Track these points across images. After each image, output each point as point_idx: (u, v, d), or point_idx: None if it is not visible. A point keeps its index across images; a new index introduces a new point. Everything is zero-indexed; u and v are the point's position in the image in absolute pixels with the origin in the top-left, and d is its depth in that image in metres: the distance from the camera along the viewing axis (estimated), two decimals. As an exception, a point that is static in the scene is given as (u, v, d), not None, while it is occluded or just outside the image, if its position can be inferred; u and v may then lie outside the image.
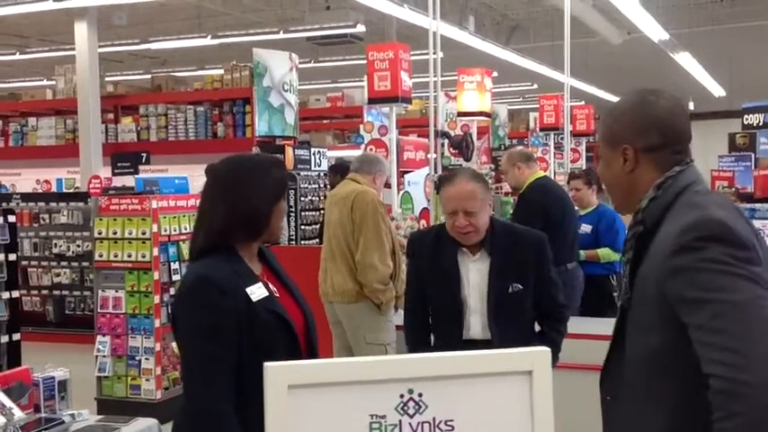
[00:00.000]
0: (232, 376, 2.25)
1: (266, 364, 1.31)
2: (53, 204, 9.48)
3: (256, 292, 2.32)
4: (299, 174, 9.62)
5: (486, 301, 3.24)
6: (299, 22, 14.16)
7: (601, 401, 2.00)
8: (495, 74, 11.08)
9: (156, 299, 6.25)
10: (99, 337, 6.34)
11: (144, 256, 6.26)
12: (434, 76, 8.03)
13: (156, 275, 6.25)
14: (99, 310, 6.38)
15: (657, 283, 1.74)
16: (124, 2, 11.80)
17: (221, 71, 11.05)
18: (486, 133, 13.53)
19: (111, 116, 11.65)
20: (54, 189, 11.49)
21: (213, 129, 10.67)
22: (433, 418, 1.35)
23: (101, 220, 6.41)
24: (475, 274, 3.28)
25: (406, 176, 9.13)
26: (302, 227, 10.06)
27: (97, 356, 6.33)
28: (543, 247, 3.36)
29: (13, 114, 12.33)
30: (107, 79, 12.92)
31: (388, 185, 6.62)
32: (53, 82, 12.47)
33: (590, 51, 15.86)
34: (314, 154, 10.59)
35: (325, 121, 16.96)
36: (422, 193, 8.99)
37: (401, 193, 8.55)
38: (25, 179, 11.67)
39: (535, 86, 20.53)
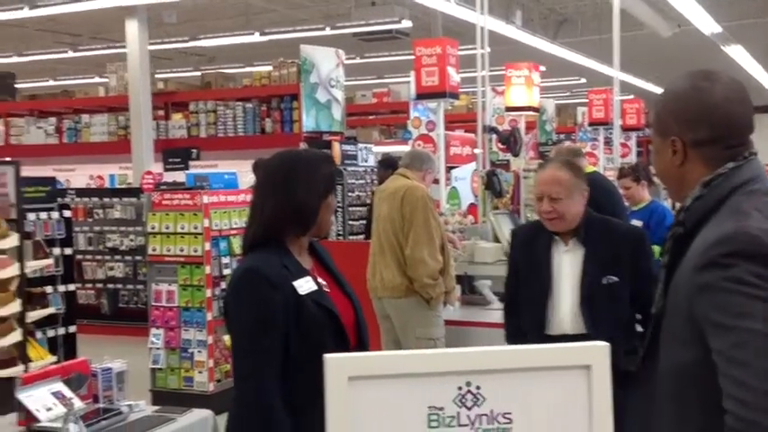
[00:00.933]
0: (281, 368, 2.29)
1: (326, 355, 1.34)
2: (106, 199, 9.66)
3: (304, 285, 2.35)
4: (345, 169, 9.67)
5: (579, 291, 3.21)
6: (345, 18, 14.21)
7: (632, 397, 1.93)
8: (542, 68, 10.99)
9: (208, 293, 6.35)
10: (153, 330, 6.46)
11: (196, 251, 6.36)
12: (482, 71, 8.01)
13: (207, 269, 6.35)
14: (153, 303, 6.50)
15: (687, 297, 1.61)
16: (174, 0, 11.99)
17: (269, 68, 11.15)
18: (534, 128, 13.45)
19: (161, 113, 11.85)
20: (107, 184, 11.73)
21: (261, 125, 10.78)
22: (491, 411, 1.36)
23: (154, 214, 6.53)
24: (567, 264, 3.26)
25: (453, 172, 9.13)
26: (349, 222, 10.12)
27: (151, 349, 6.45)
28: (641, 242, 3.32)
29: (67, 111, 12.59)
30: (157, 76, 13.12)
31: (436, 181, 6.63)
32: (105, 79, 12.71)
33: (639, 44, 15.63)
34: (360, 149, 10.64)
35: (371, 117, 17.03)
36: (468, 188, 8.99)
37: (448, 188, 8.56)
38: (79, 175, 11.90)
39: (583, 81, 20.33)
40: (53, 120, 12.18)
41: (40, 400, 3.36)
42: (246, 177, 8.67)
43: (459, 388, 1.35)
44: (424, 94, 7.32)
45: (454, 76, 7.21)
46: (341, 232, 9.71)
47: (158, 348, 6.43)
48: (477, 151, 8.40)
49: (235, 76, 13.70)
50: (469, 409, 1.36)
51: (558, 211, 3.23)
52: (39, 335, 5.64)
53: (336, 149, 9.47)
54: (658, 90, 19.72)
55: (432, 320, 5.02)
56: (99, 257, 9.49)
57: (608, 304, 3.19)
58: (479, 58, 8.02)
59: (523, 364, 1.38)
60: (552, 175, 3.28)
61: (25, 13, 11.68)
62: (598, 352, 1.38)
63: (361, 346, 2.48)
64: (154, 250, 6.51)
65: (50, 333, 5.89)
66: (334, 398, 1.32)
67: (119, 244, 9.41)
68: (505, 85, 10.02)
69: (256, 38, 14.05)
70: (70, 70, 19.04)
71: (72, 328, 6.16)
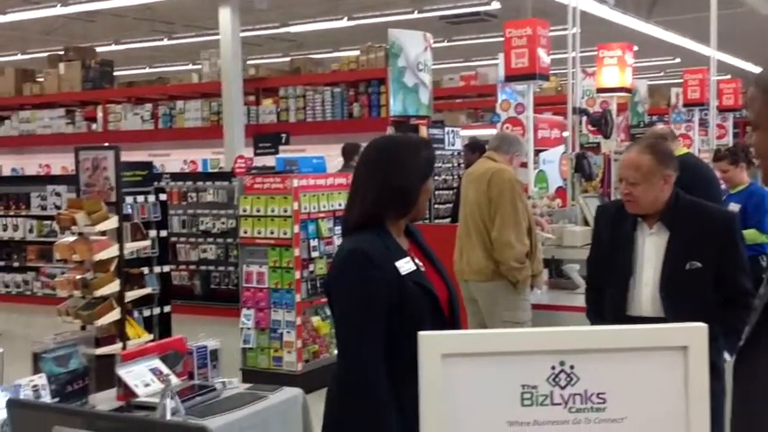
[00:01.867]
0: (384, 346, 2.35)
1: (420, 333, 1.35)
2: (200, 183, 9.88)
3: (404, 266, 2.42)
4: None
5: (660, 276, 3.18)
6: (433, 1, 14.15)
7: (733, 390, 1.88)
8: (635, 48, 10.72)
9: (297, 274, 6.45)
10: (244, 311, 6.61)
11: (285, 233, 6.48)
12: (573, 53, 7.85)
13: (296, 252, 6.46)
14: (244, 285, 6.65)
15: None
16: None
17: (357, 52, 11.21)
18: (625, 110, 13.12)
19: (252, 98, 12.05)
20: (200, 169, 12.02)
21: (349, 109, 10.86)
22: (585, 391, 1.35)
23: (245, 198, 6.67)
24: (650, 247, 3.24)
25: (541, 155, 9.01)
26: (436, 206, 10.12)
27: (242, 329, 6.61)
28: (731, 228, 3.25)
29: (162, 98, 12.94)
30: (248, 62, 13.36)
31: (524, 164, 6.56)
32: (199, 66, 13.01)
33: (736, 22, 15.05)
34: (447, 133, 10.62)
35: (458, 101, 16.94)
36: (557, 171, 8.85)
37: (536, 171, 8.45)
38: (173, 159, 12.23)
39: (677, 60, 19.73)
40: (149, 106, 12.54)
41: (139, 375, 3.49)
42: (334, 161, 8.76)
43: (553, 367, 1.35)
44: (513, 76, 7.22)
45: (544, 57, 7.09)
46: (427, 216, 9.72)
47: (249, 328, 6.58)
48: (565, 134, 8.26)
49: (323, 60, 13.81)
50: (563, 388, 1.35)
51: (633, 195, 3.21)
52: (135, 314, 5.85)
53: (423, 133, 9.45)
54: (756, 69, 18.96)
55: (518, 304, 4.99)
56: (192, 240, 9.72)
57: (689, 290, 3.14)
58: (570, 39, 7.86)
59: (619, 344, 1.37)
60: (632, 159, 3.25)
61: (123, 2, 12.05)
62: (696, 333, 1.36)
63: (455, 324, 2.54)
64: (245, 233, 6.65)
65: (146, 312, 6.10)
66: (427, 375, 1.34)
67: (211, 227, 9.62)
68: (597, 66, 9.81)
69: (344, 23, 14.13)
70: (166, 58, 19.56)
71: (167, 308, 6.36)
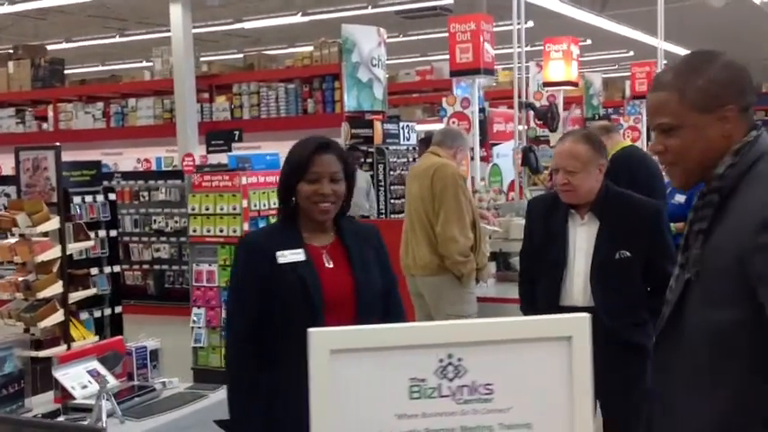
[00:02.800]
0: (262, 328, 2.51)
1: (309, 329, 1.37)
2: (152, 182, 9.79)
3: (288, 255, 2.51)
4: (387, 148, 9.69)
5: (591, 265, 3.24)
6: (388, -4, 14.15)
7: (651, 375, 1.93)
8: (588, 41, 10.83)
9: (247, 272, 6.41)
10: (194, 310, 6.57)
11: (235, 231, 6.44)
12: (519, 47, 7.93)
13: (246, 250, 6.42)
14: (194, 284, 6.62)
15: (738, 258, 1.63)
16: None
17: (311, 48, 11.19)
18: (575, 103, 13.25)
19: (206, 95, 11.97)
20: (154, 167, 11.90)
21: (303, 105, 10.84)
22: (473, 382, 1.38)
23: (194, 196, 6.62)
24: (582, 238, 3.29)
25: (495, 149, 9.08)
26: (391, 200, 10.14)
27: (193, 328, 6.57)
28: (658, 218, 3.33)
29: (114, 96, 12.80)
30: (202, 59, 13.26)
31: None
32: (151, 63, 12.88)
33: (686, 15, 15.26)
34: (402, 128, 10.64)
35: (414, 95, 16.96)
36: (511, 165, 8.93)
37: (490, 165, 8.52)
38: (126, 158, 12.08)
39: (631, 53, 19.96)
40: (100, 104, 12.40)
41: (76, 377, 3.45)
42: (288, 158, 8.72)
43: (441, 360, 1.37)
44: (458, 71, 7.27)
45: (490, 51, 7.15)
46: (383, 211, 9.74)
47: (200, 327, 6.54)
48: (520, 128, 8.32)
49: (277, 57, 13.76)
50: (451, 380, 1.37)
51: (572, 185, 3.25)
52: (86, 315, 5.79)
53: (378, 128, 9.49)
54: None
55: (464, 297, 5.03)
56: (145, 239, 9.64)
57: (619, 278, 3.21)
58: (515, 34, 7.92)
59: (505, 335, 1.39)
60: (569, 148, 3.30)
61: (72, -1, 11.91)
62: (579, 324, 1.39)
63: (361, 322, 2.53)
64: (194, 231, 6.61)
65: (97, 314, 6.05)
66: (316, 371, 1.35)
67: (164, 226, 9.54)
68: (544, 59, 9.89)
69: (298, 18, 14.09)
70: (119, 55, 19.33)
71: (118, 309, 6.31)
